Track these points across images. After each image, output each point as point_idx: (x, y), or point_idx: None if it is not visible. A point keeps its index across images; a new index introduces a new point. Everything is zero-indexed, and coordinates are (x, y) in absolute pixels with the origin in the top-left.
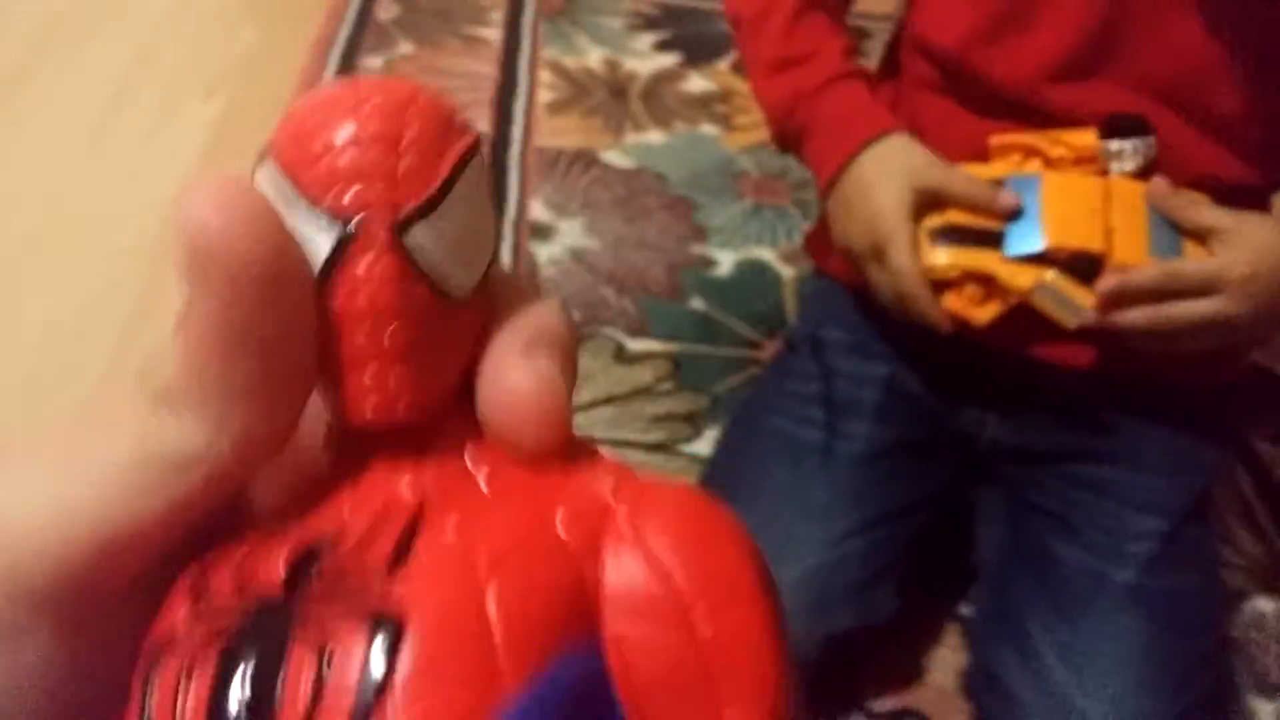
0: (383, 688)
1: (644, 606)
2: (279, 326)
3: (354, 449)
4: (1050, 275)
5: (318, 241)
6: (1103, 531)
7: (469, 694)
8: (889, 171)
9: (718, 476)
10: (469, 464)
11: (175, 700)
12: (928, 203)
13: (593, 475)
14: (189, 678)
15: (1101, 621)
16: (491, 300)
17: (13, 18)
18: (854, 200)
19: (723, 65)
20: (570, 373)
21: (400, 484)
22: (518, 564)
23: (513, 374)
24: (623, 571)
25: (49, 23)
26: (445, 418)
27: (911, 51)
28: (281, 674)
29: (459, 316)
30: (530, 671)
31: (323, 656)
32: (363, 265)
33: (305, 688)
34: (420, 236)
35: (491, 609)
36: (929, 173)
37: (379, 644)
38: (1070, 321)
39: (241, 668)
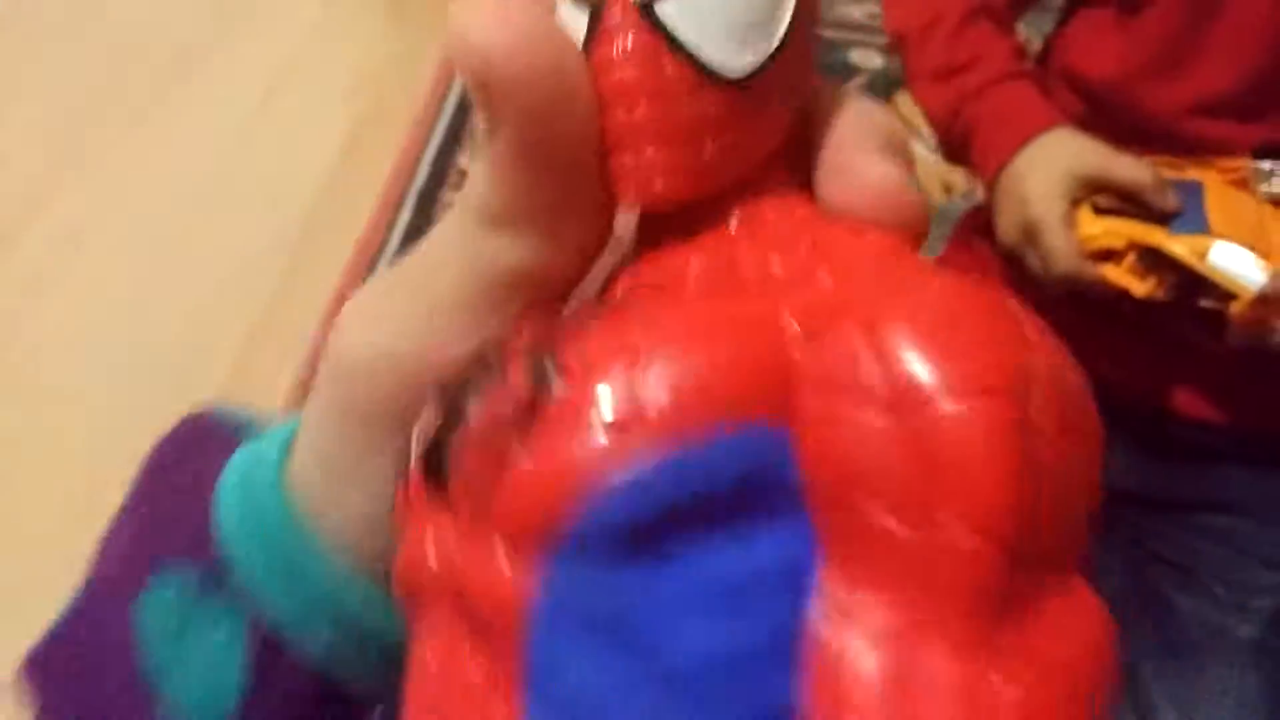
0: (528, 419)
1: (853, 388)
2: (581, 133)
3: (641, 235)
4: (1224, 241)
5: (577, 24)
6: (1226, 584)
7: (605, 445)
8: (1047, 158)
9: None
10: (733, 250)
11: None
12: (1088, 188)
13: (852, 269)
14: None
15: (1220, 676)
16: (797, 94)
17: (160, 28)
18: (1009, 190)
19: None
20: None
21: (651, 266)
22: (704, 333)
23: (877, 168)
24: (839, 353)
25: (195, 30)
26: (724, 202)
27: (1056, 82)
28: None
29: (737, 100)
30: (682, 436)
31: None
32: (612, 42)
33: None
34: (672, 10)
35: (653, 368)
36: (1090, 157)
37: (535, 377)
38: (1244, 288)
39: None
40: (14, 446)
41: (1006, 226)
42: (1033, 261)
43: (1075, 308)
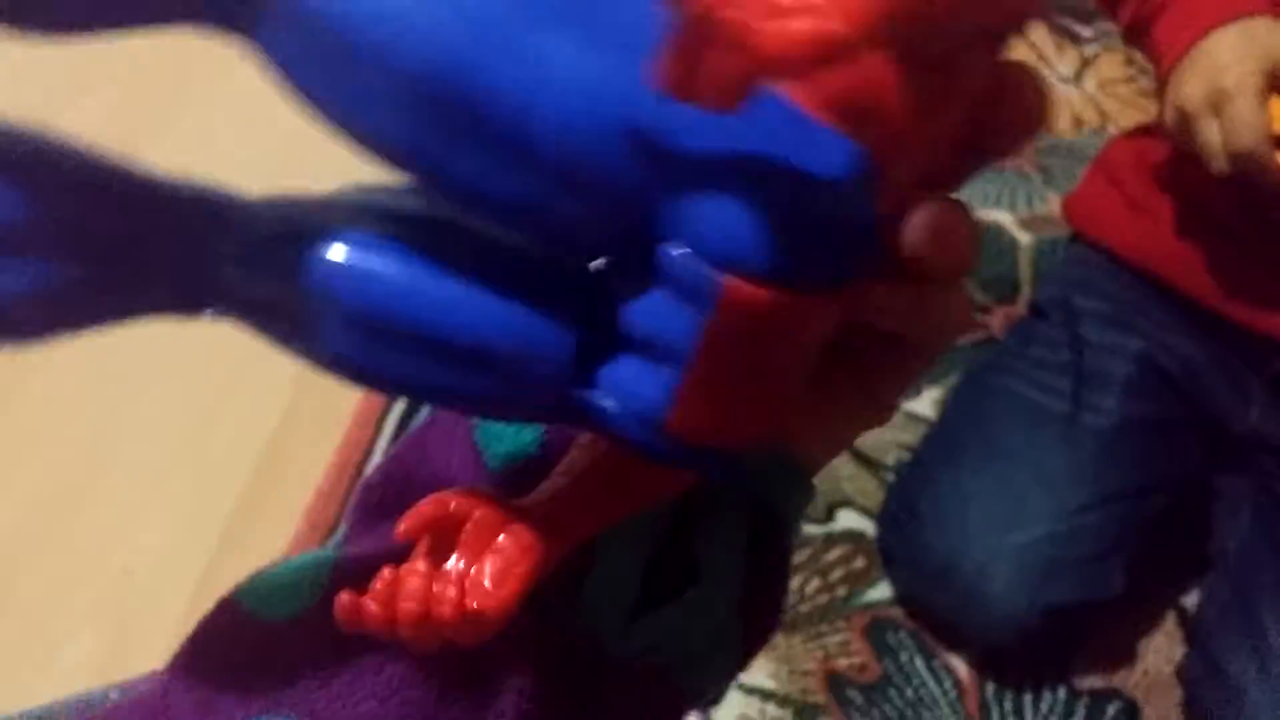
0: None
1: None
2: None
3: None
4: None
5: None
6: None
7: None
8: (1248, 37)
9: (946, 436)
10: None
11: None
12: None
13: None
14: None
15: None
16: None
17: None
18: (1199, 60)
19: None
20: None
21: None
22: None
23: None
24: None
25: None
26: None
27: None
28: None
29: None
30: None
31: None
32: None
33: None
34: None
35: None
36: None
37: None
38: None
39: None
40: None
41: (1191, 92)
42: (1209, 136)
43: (1227, 239)
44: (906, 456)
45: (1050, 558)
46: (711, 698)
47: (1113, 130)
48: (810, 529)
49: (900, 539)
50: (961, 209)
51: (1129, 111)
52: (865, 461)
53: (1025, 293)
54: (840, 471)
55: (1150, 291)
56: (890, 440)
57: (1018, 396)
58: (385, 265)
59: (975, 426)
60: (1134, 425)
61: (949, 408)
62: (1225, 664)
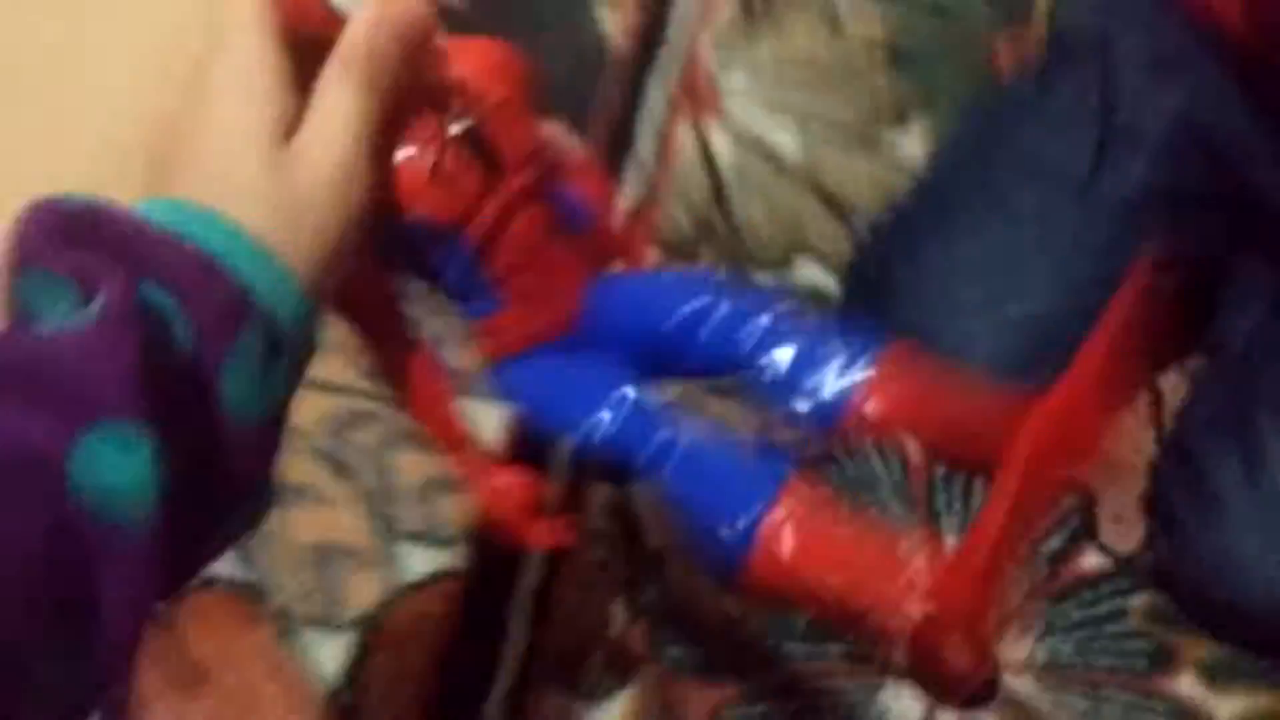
0: None
1: None
2: None
3: None
4: None
5: None
6: None
7: None
8: None
9: (940, 186)
10: None
11: None
12: None
13: None
14: None
15: None
16: None
17: None
18: None
19: None
20: None
21: None
22: None
23: None
24: None
25: None
26: None
27: None
28: None
29: None
30: None
31: None
32: None
33: None
34: None
35: None
36: None
37: None
38: None
39: None
40: None
41: None
42: None
43: None
44: (884, 202)
45: (1044, 336)
46: None
47: None
48: (762, 278)
49: (868, 302)
50: None
51: None
52: (831, 201)
53: (1042, 21)
54: (802, 211)
55: (1202, 36)
56: (865, 178)
57: (1032, 149)
58: None
59: (976, 178)
60: (1159, 194)
61: (945, 156)
62: (1207, 468)
